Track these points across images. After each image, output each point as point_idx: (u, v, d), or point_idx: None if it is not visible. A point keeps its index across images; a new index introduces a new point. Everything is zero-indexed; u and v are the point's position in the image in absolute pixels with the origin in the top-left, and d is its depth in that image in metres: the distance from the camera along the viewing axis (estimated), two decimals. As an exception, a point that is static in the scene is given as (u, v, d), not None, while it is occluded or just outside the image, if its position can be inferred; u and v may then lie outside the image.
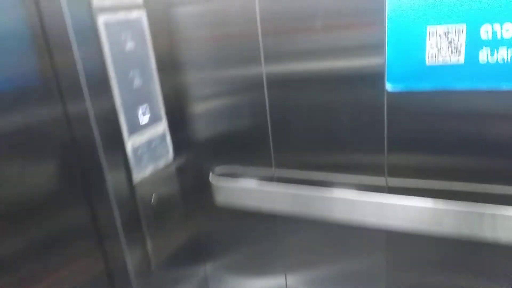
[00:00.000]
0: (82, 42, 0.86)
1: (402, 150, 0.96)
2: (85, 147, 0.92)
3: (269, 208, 1.15)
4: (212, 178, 1.21)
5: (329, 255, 1.16)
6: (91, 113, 0.91)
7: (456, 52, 0.82)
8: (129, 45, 0.96)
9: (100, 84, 0.92)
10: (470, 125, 0.87)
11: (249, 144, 1.14)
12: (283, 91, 1.03)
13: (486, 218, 0.89)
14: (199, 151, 1.21)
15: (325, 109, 1.00)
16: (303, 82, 0.99)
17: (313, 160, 1.07)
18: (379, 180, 1.00)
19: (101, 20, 0.89)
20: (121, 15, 0.94)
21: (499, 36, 0.77)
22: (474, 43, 0.80)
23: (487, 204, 0.89)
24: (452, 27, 0.81)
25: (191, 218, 1.27)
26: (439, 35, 0.82)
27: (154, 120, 1.05)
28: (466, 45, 0.81)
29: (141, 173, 1.03)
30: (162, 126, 1.09)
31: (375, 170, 1.00)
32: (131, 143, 0.99)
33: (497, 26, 0.77)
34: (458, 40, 0.81)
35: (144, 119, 1.02)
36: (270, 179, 1.13)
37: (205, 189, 1.23)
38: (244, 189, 1.17)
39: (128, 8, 0.96)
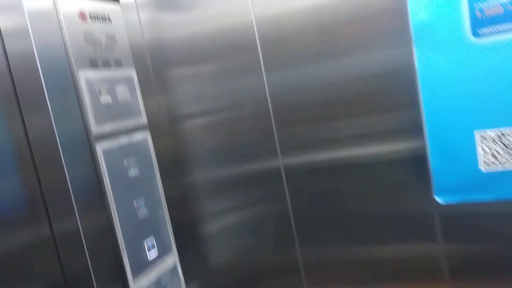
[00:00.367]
0: (76, 174, 0.75)
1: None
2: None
3: None
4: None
5: None
6: (87, 254, 0.76)
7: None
8: (133, 172, 0.84)
9: (97, 217, 0.79)
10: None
11: (273, 269, 0.97)
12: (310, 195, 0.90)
13: None
14: (215, 279, 1.04)
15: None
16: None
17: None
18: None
19: (100, 148, 0.78)
20: (123, 140, 0.83)
21: None
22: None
23: None
24: (507, 130, 0.70)
25: None
26: (492, 139, 0.71)
27: (163, 252, 0.90)
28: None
29: (149, 321, 0.85)
30: (173, 258, 0.93)
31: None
32: (137, 286, 0.83)
33: None
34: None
35: (151, 254, 0.87)
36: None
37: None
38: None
39: (131, 131, 0.86)
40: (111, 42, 0.84)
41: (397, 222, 0.85)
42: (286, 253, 0.95)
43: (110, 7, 0.85)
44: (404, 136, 0.81)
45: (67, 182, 0.72)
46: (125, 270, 0.81)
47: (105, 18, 0.83)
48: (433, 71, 0.71)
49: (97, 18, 0.81)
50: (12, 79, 0.71)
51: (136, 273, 0.83)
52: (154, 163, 0.91)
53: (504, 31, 0.66)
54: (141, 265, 0.84)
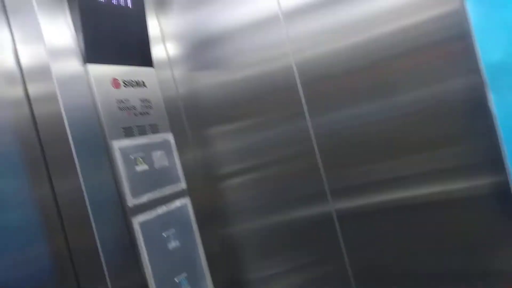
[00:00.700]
0: (111, 253, 0.68)
1: None
2: None
3: None
4: None
5: None
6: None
7: None
8: (173, 243, 0.77)
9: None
10: None
11: None
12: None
13: None
14: None
15: None
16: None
17: None
18: None
19: (137, 221, 0.72)
20: (161, 210, 0.77)
21: None
22: None
23: None
24: None
25: None
26: None
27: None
28: None
29: None
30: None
31: None
32: None
33: None
34: None
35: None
36: None
37: None
38: None
39: (170, 199, 0.80)
40: (146, 107, 0.80)
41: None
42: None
43: (144, 71, 0.82)
44: (481, 170, 0.70)
45: (103, 267, 0.66)
46: None
47: (140, 83, 0.80)
48: None
49: (131, 84, 0.78)
50: (42, 148, 0.67)
51: None
52: (195, 230, 0.83)
53: None
54: None
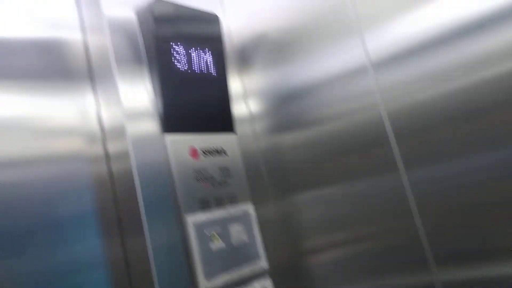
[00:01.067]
0: None
1: None
2: None
3: None
4: None
5: None
6: None
7: None
8: None
9: None
10: None
11: None
12: None
13: None
14: None
15: None
16: None
17: None
18: None
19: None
20: None
21: None
22: None
23: None
24: None
25: None
26: None
27: None
28: None
29: None
30: None
31: None
32: None
33: None
34: None
35: None
36: None
37: None
38: None
39: (249, 280, 0.71)
40: (225, 176, 0.75)
41: None
42: None
43: (225, 138, 0.78)
44: None
45: None
46: None
47: (220, 151, 0.75)
48: None
49: (210, 152, 0.74)
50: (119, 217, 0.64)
51: None
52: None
53: None
54: None
